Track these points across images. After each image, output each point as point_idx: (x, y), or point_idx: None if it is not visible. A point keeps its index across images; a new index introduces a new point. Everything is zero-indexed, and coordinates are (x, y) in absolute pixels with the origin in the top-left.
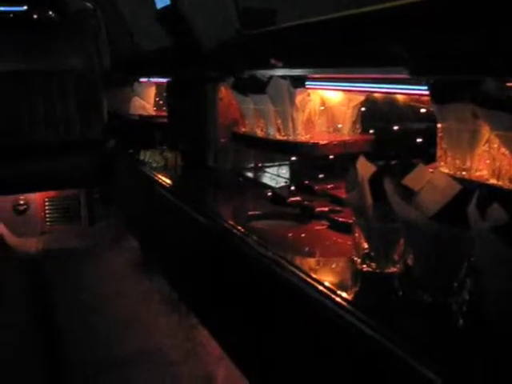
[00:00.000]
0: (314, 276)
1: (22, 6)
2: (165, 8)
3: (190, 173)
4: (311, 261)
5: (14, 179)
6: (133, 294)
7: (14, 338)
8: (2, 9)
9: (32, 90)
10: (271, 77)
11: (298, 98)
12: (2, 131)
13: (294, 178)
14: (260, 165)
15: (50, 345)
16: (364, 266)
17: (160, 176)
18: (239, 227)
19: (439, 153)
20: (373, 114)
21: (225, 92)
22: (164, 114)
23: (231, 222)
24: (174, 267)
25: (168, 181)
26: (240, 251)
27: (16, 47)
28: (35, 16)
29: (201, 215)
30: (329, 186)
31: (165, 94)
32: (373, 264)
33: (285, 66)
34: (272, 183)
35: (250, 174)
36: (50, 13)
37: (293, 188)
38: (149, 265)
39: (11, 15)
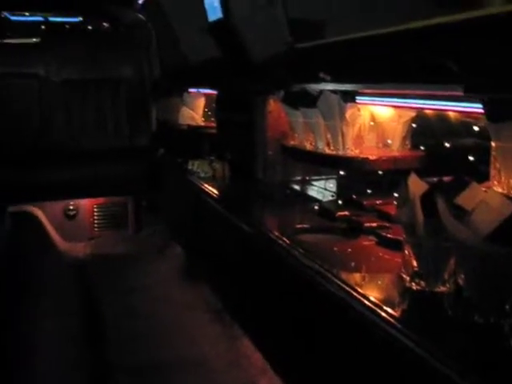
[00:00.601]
0: (360, 291)
1: (78, 17)
2: (217, 21)
3: (238, 184)
4: (358, 275)
5: (66, 185)
6: (177, 302)
7: (61, 340)
8: (58, 20)
9: (85, 98)
10: (322, 91)
11: (349, 113)
12: (56, 138)
13: (342, 192)
14: (307, 178)
15: (96, 348)
16: (413, 283)
17: (208, 186)
18: (286, 239)
19: (493, 172)
20: (423, 130)
21: (274, 105)
22: (212, 124)
23: (278, 234)
24: (219, 276)
25: (215, 191)
26: (286, 263)
27: (71, 57)
28: (89, 27)
29: (247, 226)
30: (377, 202)
31: (214, 105)
32: (422, 282)
33: (334, 81)
34: (319, 197)
35: (297, 187)
36: (104, 24)
37: (340, 202)
38: (193, 273)
39: (67, 26)
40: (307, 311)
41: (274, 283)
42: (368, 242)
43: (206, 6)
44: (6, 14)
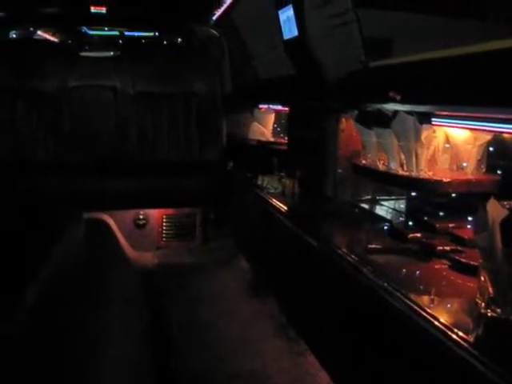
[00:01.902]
0: (432, 313)
1: (154, 32)
2: (292, 39)
3: (307, 201)
4: (430, 298)
5: (137, 195)
6: (242, 314)
7: (127, 346)
8: (135, 34)
9: (158, 111)
10: (397, 112)
11: (424, 135)
12: (129, 149)
13: (412, 213)
14: (377, 197)
15: (161, 355)
16: (488, 310)
17: (277, 201)
18: (355, 256)
19: None
20: (500, 154)
21: (346, 123)
22: (281, 140)
23: (347, 251)
24: (285, 291)
25: (285, 207)
26: (355, 281)
27: (146, 71)
28: (165, 42)
29: (316, 242)
30: (450, 225)
31: (283, 121)
32: (498, 309)
33: (409, 102)
34: (389, 217)
35: (366, 206)
36: (179, 39)
37: (411, 223)
38: (259, 286)
39: (143, 40)
40: (375, 331)
41: (341, 301)
42: (441, 265)
43: (282, 24)
44: (84, 28)
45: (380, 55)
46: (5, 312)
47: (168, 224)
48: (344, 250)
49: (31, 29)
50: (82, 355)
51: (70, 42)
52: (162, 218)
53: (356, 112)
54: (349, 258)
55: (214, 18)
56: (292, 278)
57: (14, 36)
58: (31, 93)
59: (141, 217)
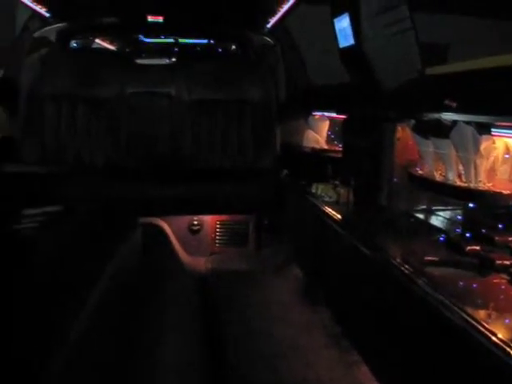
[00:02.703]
0: (489, 327)
1: (208, 39)
2: (348, 47)
3: (362, 210)
4: (487, 312)
5: (191, 201)
6: (295, 322)
7: (182, 351)
8: (190, 41)
9: (212, 118)
10: (456, 122)
11: (483, 146)
12: (184, 155)
13: (469, 225)
14: (432, 208)
15: (214, 361)
16: None
17: (331, 210)
18: (411, 268)
19: None
20: None
21: (403, 132)
22: (336, 148)
23: (402, 262)
24: (338, 300)
25: (339, 215)
26: (411, 292)
27: (201, 78)
28: (219, 49)
29: (371, 252)
30: (510, 238)
31: (337, 129)
32: None
33: (465, 112)
34: (445, 228)
35: (421, 216)
36: (233, 47)
37: (468, 235)
38: (312, 295)
39: (198, 48)
40: (430, 344)
41: (396, 312)
42: (500, 279)
43: (337, 32)
44: (140, 36)
45: (436, 61)
46: (67, 313)
47: (221, 230)
48: (399, 260)
49: (90, 38)
50: (140, 359)
51: (127, 49)
52: (216, 224)
53: (413, 121)
54: (404, 270)
55: (269, 25)
56: (346, 287)
57: (75, 45)
58: (90, 99)
59: (195, 222)
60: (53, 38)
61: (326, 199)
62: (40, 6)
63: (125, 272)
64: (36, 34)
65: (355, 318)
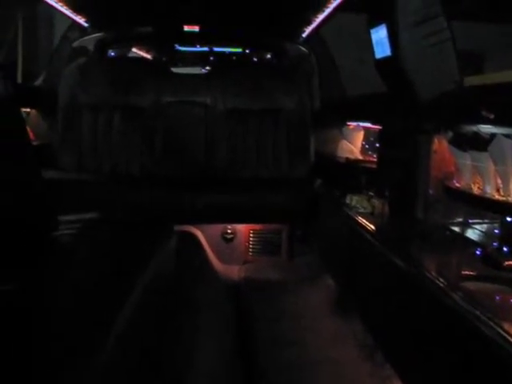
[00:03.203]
0: None
1: (244, 49)
2: (385, 58)
3: (396, 222)
4: None
5: (225, 209)
6: (327, 333)
7: (214, 360)
8: (223, 50)
9: (247, 127)
10: (494, 135)
11: None
12: (218, 164)
13: (507, 239)
14: (468, 221)
15: (246, 369)
16: None
17: (366, 221)
18: (446, 282)
19: None
20: None
21: (439, 144)
22: (370, 159)
23: (437, 275)
24: (371, 312)
25: (373, 227)
26: (446, 306)
27: (236, 87)
28: (255, 59)
29: (405, 265)
30: None
31: (372, 139)
32: None
33: (504, 124)
34: (481, 241)
35: (457, 229)
36: (268, 56)
37: (506, 250)
38: (344, 306)
39: (234, 57)
40: (466, 360)
41: (431, 326)
42: None
43: (374, 42)
44: (176, 45)
45: (471, 70)
46: (103, 321)
47: (255, 239)
48: (434, 274)
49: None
50: (173, 365)
51: (163, 59)
52: (249, 233)
53: (450, 133)
54: (439, 283)
55: (304, 34)
56: (379, 299)
57: (112, 54)
58: (127, 108)
59: (228, 231)
60: (91, 47)
61: (361, 210)
62: (79, 16)
63: (160, 280)
64: (75, 44)
65: (389, 331)
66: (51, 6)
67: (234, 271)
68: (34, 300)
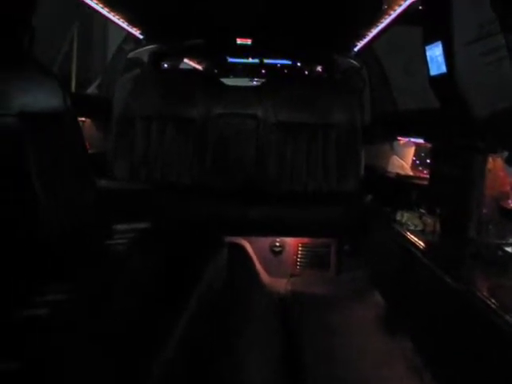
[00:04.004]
0: None
1: (295, 61)
2: (439, 75)
3: (448, 240)
4: None
5: (274, 222)
6: (375, 351)
7: (261, 373)
8: (273, 62)
9: (297, 140)
10: None
11: None
12: (268, 177)
13: None
14: None
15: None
16: None
17: (416, 239)
18: (497, 302)
19: None
20: None
21: (493, 163)
22: (421, 175)
23: (490, 296)
24: (421, 331)
25: (424, 245)
26: (499, 328)
27: (287, 100)
28: (306, 72)
29: (457, 284)
30: None
31: (423, 155)
32: None
33: None
34: None
35: (511, 250)
36: (319, 69)
37: None
38: (393, 324)
39: (285, 70)
40: None
41: (481, 347)
42: None
43: (429, 59)
44: (227, 56)
45: None
46: (163, 330)
47: (303, 252)
48: (486, 294)
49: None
50: (225, 378)
51: (215, 71)
52: (298, 246)
53: (506, 153)
54: (491, 304)
55: (356, 48)
56: (430, 318)
57: (165, 65)
58: (179, 119)
59: (277, 244)
60: (145, 58)
61: (411, 228)
62: (135, 29)
63: (212, 290)
64: (130, 55)
65: (439, 351)
66: (107, 19)
67: (281, 284)
68: (91, 307)
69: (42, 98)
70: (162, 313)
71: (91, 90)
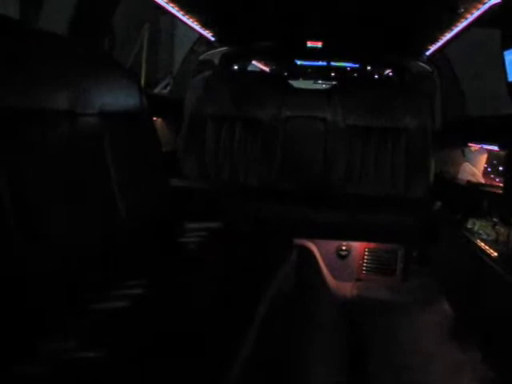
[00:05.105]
0: None
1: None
2: None
3: None
4: None
5: (341, 227)
6: (442, 361)
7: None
8: (341, 64)
9: (366, 144)
10: None
11: None
12: (336, 180)
13: None
14: None
15: None
16: None
17: (489, 248)
18: None
19: None
20: None
21: None
22: (494, 183)
23: None
24: (491, 342)
25: (497, 255)
26: None
27: (357, 104)
28: (376, 76)
29: None
30: None
31: (495, 162)
32: None
33: None
34: None
35: None
36: (389, 72)
37: None
38: (462, 334)
39: (355, 74)
40: None
41: None
42: None
43: (507, 64)
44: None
45: None
46: (236, 331)
47: (369, 257)
48: None
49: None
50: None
51: (284, 73)
52: (364, 251)
53: None
54: None
55: (428, 53)
56: (500, 330)
57: (236, 67)
58: (248, 121)
59: (343, 248)
60: (216, 60)
61: (484, 237)
62: (207, 31)
63: (283, 292)
64: (201, 57)
65: (509, 364)
66: (181, 21)
67: (346, 288)
68: (167, 303)
69: (121, 98)
70: (234, 314)
71: (158, 89)
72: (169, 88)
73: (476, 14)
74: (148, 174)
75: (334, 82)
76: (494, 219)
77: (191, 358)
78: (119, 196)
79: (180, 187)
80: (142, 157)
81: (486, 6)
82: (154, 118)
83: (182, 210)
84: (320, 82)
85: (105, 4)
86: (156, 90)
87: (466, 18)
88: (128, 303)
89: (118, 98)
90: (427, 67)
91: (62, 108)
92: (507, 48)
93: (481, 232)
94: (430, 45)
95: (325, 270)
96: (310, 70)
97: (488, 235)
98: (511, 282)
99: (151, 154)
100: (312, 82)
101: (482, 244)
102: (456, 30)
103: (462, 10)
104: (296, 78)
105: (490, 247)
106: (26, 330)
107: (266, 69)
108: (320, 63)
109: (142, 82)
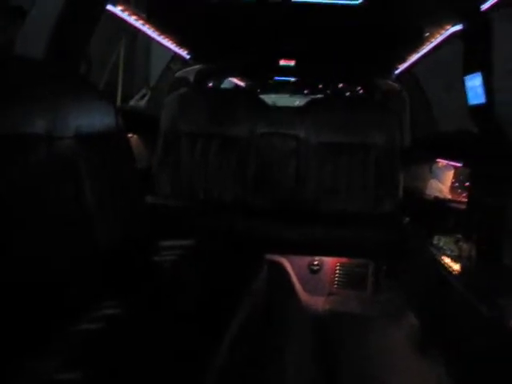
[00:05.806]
0: None
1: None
2: (479, 105)
3: (484, 267)
4: None
5: (313, 242)
6: (409, 374)
7: None
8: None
9: (336, 161)
10: None
11: None
12: (307, 197)
13: None
14: None
15: None
16: None
17: (451, 264)
18: None
19: None
20: None
21: None
22: (459, 199)
23: None
24: (456, 357)
25: (460, 270)
26: None
27: (329, 121)
28: (347, 93)
29: (491, 313)
30: None
31: (462, 178)
32: None
33: None
34: None
35: None
36: (360, 90)
37: None
38: (428, 347)
39: (327, 91)
40: None
41: None
42: None
43: (468, 89)
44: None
45: None
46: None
47: (341, 272)
48: None
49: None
50: None
51: (258, 90)
52: (336, 266)
53: None
54: None
55: (397, 72)
56: (463, 344)
57: (211, 84)
58: (222, 138)
59: (315, 262)
60: (192, 78)
61: (448, 252)
62: (182, 49)
63: (254, 307)
64: (177, 74)
65: (471, 378)
66: (155, 41)
67: (318, 302)
68: (140, 323)
69: (96, 119)
70: (207, 328)
71: (133, 102)
72: (146, 98)
73: (440, 38)
74: (124, 194)
75: (310, 97)
76: (458, 235)
77: (166, 377)
78: (96, 218)
79: (154, 204)
80: (118, 177)
81: (448, 33)
82: (130, 135)
83: (156, 227)
84: (296, 96)
85: (82, 27)
86: (132, 102)
87: (431, 42)
88: (103, 325)
89: (94, 119)
90: (396, 85)
91: (39, 132)
92: (468, 73)
93: (445, 248)
94: (399, 64)
95: (297, 285)
96: (283, 85)
97: (451, 251)
98: (471, 299)
99: (127, 174)
100: (288, 95)
101: (447, 260)
102: (423, 51)
103: (427, 34)
104: (270, 93)
105: (453, 263)
106: (4, 352)
107: (242, 84)
108: (294, 79)
109: (119, 96)
